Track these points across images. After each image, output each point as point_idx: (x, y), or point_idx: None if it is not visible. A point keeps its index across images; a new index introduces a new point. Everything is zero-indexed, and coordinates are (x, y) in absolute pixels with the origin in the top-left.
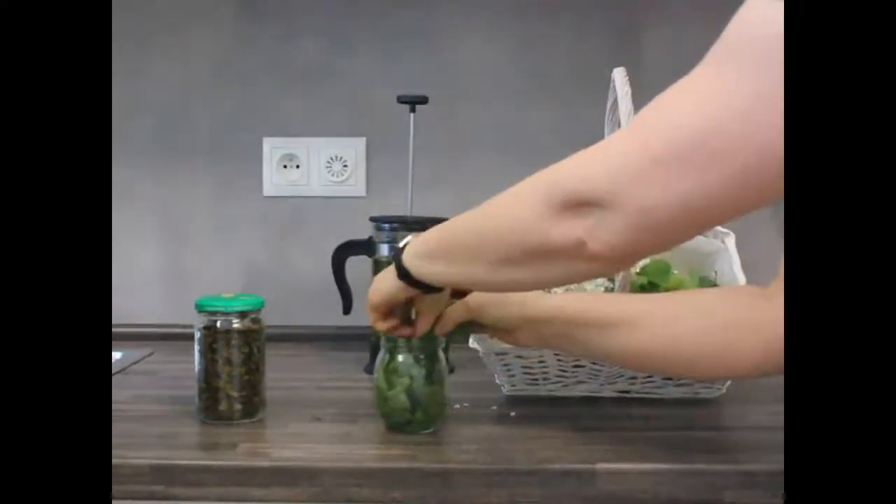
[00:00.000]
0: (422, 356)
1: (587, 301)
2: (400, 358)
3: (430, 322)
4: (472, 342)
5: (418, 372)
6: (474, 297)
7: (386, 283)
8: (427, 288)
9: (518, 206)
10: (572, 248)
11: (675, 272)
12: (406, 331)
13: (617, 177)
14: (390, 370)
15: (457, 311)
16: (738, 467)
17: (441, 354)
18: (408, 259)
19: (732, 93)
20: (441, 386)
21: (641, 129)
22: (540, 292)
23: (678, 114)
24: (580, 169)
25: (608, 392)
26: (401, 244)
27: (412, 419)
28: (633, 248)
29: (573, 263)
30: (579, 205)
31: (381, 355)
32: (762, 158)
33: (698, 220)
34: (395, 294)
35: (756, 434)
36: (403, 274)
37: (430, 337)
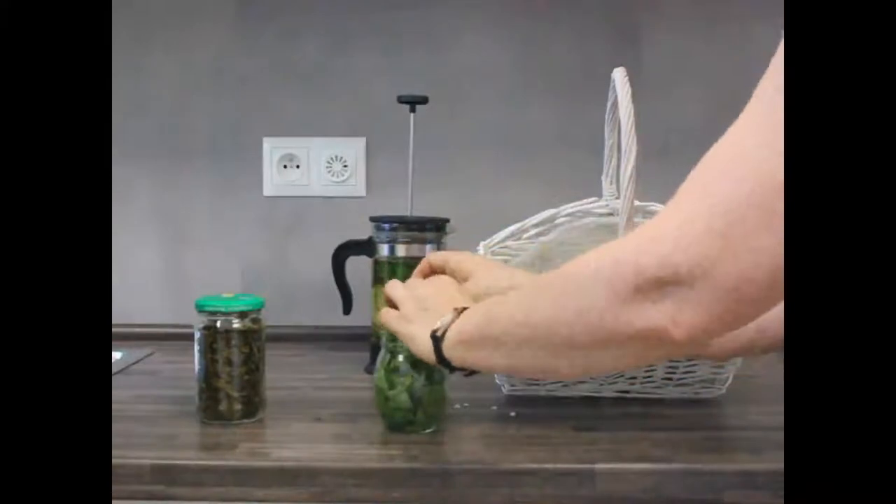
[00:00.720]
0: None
1: None
2: (401, 358)
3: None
4: None
5: (419, 372)
6: (469, 289)
7: (421, 347)
8: (470, 372)
9: (584, 292)
10: (653, 335)
11: None
12: None
13: (700, 252)
14: (391, 370)
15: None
16: (738, 467)
17: None
18: (449, 348)
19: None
20: (442, 386)
21: (703, 190)
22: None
23: (748, 166)
24: (652, 246)
25: (608, 392)
26: (435, 329)
27: (413, 419)
28: (718, 326)
29: (655, 350)
30: (660, 286)
31: (382, 355)
32: None
33: (781, 283)
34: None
35: (756, 434)
36: (444, 363)
37: None
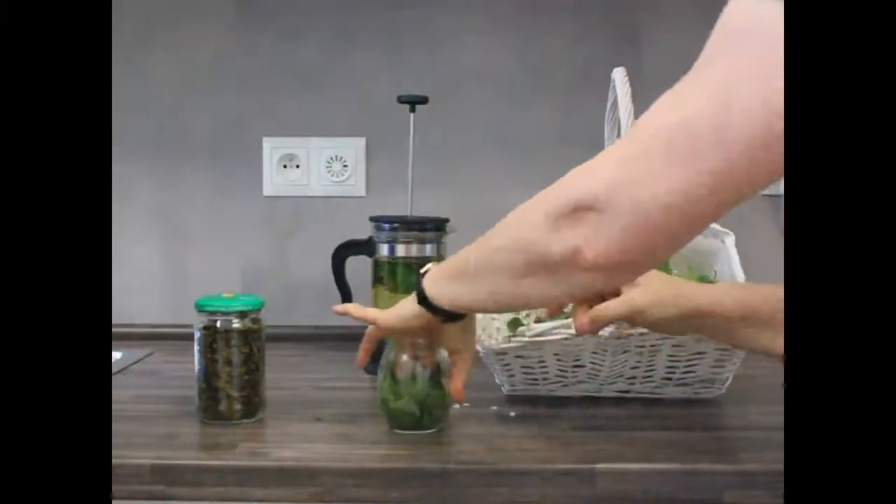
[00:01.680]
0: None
1: (744, 293)
2: (404, 358)
3: (465, 374)
4: None
5: (423, 373)
6: (635, 299)
7: (404, 308)
8: (446, 315)
9: (523, 221)
10: (570, 258)
11: (675, 272)
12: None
13: (610, 180)
14: (395, 371)
15: (615, 310)
16: (738, 467)
17: (444, 354)
18: (428, 285)
19: (712, 90)
20: (445, 387)
21: (633, 132)
22: (699, 286)
23: (663, 113)
24: (578, 178)
25: (608, 392)
26: (422, 271)
27: (417, 420)
28: (627, 255)
29: (574, 275)
30: (576, 211)
31: (386, 356)
32: (743, 150)
33: (685, 217)
34: (409, 319)
35: (756, 434)
36: (422, 298)
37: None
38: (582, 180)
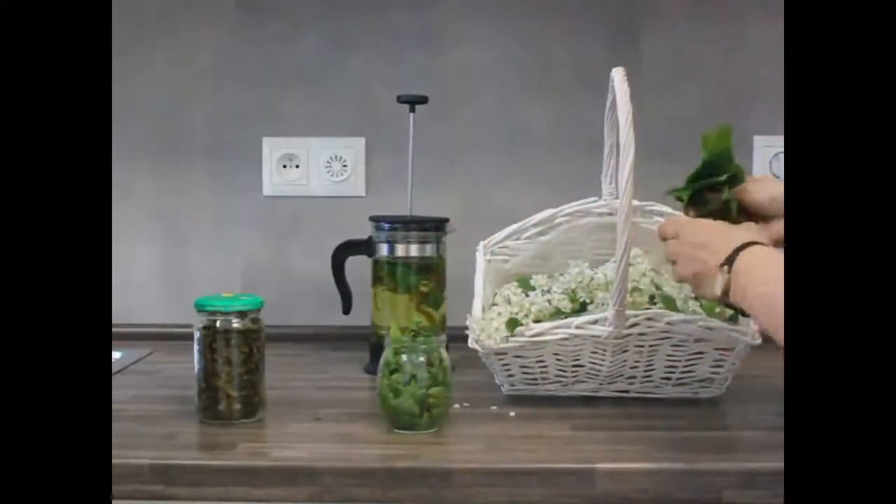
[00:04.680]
0: (425, 357)
1: None
2: (404, 358)
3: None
4: (472, 342)
5: (423, 373)
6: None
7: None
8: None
9: None
10: None
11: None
12: None
13: None
14: (395, 371)
15: None
16: (738, 467)
17: (444, 354)
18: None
19: None
20: (445, 386)
21: None
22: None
23: None
24: None
25: (607, 392)
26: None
27: (418, 420)
28: None
29: None
30: None
31: (386, 356)
32: None
33: None
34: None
35: (756, 434)
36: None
37: (433, 337)
38: None
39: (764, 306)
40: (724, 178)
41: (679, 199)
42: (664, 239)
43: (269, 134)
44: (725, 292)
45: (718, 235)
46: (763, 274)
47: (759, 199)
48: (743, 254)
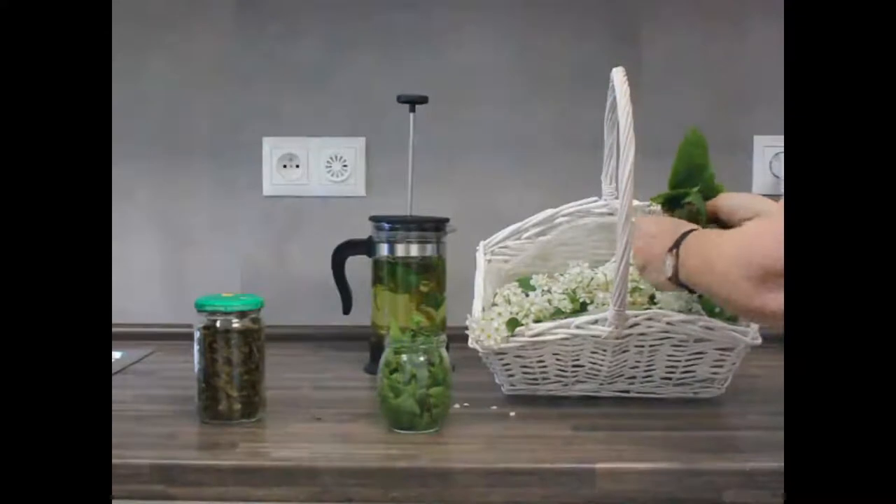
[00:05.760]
0: (426, 356)
1: None
2: (404, 358)
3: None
4: (472, 342)
5: (423, 373)
6: None
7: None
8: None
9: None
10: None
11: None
12: None
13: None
14: (395, 371)
15: None
16: (738, 467)
17: (444, 354)
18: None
19: None
20: (445, 386)
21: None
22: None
23: None
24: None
25: (607, 392)
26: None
27: (418, 420)
28: None
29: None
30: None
31: (386, 356)
32: None
33: None
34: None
35: (756, 434)
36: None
37: (433, 337)
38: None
39: (704, 264)
40: (694, 189)
41: (660, 204)
42: None
43: (269, 134)
44: (675, 274)
45: (668, 226)
46: (704, 242)
47: (723, 206)
48: (688, 237)
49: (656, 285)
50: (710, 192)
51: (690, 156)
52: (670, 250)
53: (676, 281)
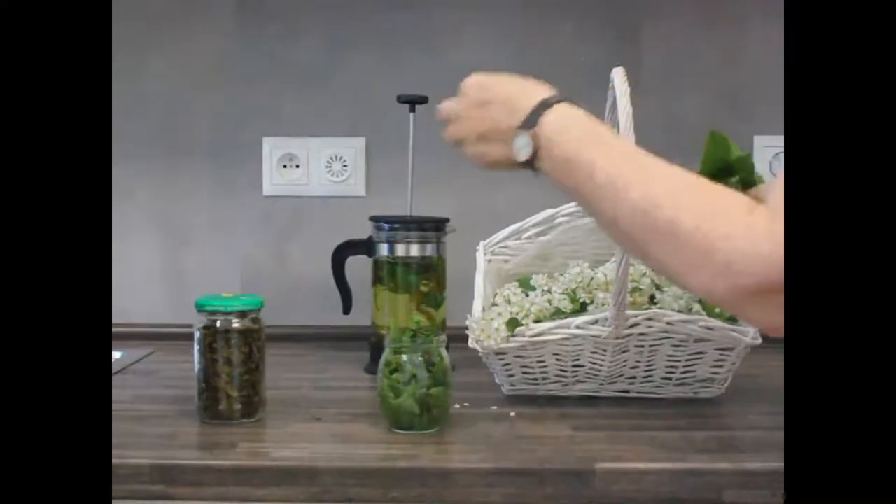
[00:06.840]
0: (426, 356)
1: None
2: (404, 358)
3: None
4: (472, 342)
5: (423, 373)
6: None
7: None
8: (528, 166)
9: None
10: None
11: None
12: None
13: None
14: (395, 371)
15: None
16: (738, 467)
17: (444, 354)
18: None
19: None
20: (445, 386)
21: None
22: None
23: None
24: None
25: (607, 392)
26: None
27: (418, 420)
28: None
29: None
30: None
31: (386, 356)
32: None
33: None
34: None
35: (756, 434)
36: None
37: (433, 337)
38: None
39: (567, 166)
40: (733, 179)
41: None
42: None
43: (269, 134)
44: (529, 158)
45: (516, 92)
46: (572, 135)
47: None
48: (548, 113)
49: (490, 162)
50: (749, 179)
51: (714, 160)
52: (521, 127)
53: (525, 166)
